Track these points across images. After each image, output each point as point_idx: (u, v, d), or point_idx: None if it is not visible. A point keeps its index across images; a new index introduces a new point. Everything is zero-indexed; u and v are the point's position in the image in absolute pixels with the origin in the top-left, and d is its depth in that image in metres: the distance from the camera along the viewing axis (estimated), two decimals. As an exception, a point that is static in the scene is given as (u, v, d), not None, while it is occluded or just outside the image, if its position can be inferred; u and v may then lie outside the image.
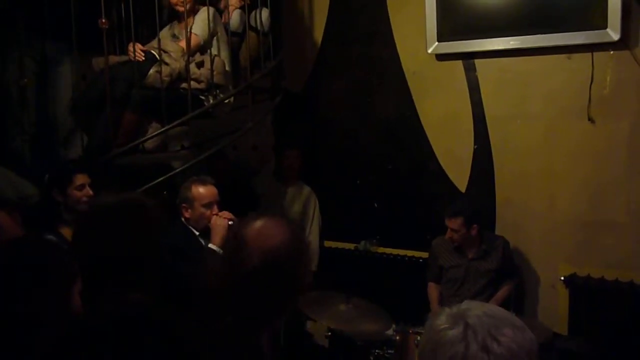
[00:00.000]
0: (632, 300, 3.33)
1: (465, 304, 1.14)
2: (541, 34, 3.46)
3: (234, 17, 3.73)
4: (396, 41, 4.07)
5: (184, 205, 2.86)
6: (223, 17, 3.71)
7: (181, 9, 3.40)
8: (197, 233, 2.85)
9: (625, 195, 3.42)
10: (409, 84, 4.05)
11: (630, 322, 3.18)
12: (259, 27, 3.74)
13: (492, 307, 1.15)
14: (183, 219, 2.87)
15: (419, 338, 2.75)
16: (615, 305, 3.38)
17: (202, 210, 2.82)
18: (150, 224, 1.71)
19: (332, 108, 4.39)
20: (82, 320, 1.35)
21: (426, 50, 3.82)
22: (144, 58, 3.26)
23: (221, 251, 2.66)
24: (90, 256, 1.57)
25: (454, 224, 3.38)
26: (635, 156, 3.39)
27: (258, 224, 1.37)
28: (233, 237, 1.39)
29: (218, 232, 2.73)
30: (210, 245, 2.71)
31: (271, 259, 1.31)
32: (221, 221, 2.75)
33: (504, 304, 3.40)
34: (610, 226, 3.47)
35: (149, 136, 3.26)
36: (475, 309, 1.12)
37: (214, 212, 2.80)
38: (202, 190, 2.84)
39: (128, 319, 0.94)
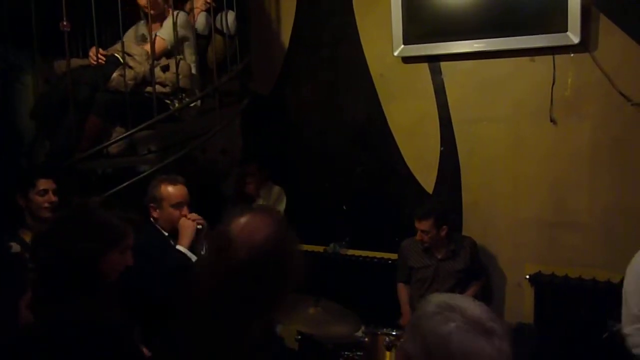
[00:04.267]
0: (594, 296, 3.41)
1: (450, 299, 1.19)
2: (504, 36, 3.53)
3: (200, 20, 3.71)
4: (363, 44, 4.09)
5: (152, 205, 2.74)
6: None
7: (151, 11, 3.35)
8: (166, 234, 2.76)
9: (588, 195, 3.50)
10: (376, 86, 4.07)
11: (593, 317, 3.25)
12: (224, 30, 3.72)
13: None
14: (152, 219, 2.77)
15: (387, 339, 2.76)
16: (579, 301, 3.45)
17: (171, 210, 2.72)
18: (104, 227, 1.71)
19: (301, 111, 4.39)
20: (30, 327, 1.34)
21: (392, 53, 3.85)
22: (104, 62, 3.22)
23: (189, 253, 2.66)
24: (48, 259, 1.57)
25: (424, 225, 3.41)
26: (597, 158, 3.47)
27: (243, 219, 1.38)
28: (218, 233, 1.40)
29: (186, 233, 2.68)
30: (178, 247, 2.67)
31: (258, 253, 1.33)
32: (190, 223, 2.70)
33: (472, 303, 3.44)
34: (573, 226, 3.55)
35: (113, 140, 3.20)
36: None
37: (183, 213, 2.72)
38: (172, 190, 2.73)
39: (75, 325, 0.93)
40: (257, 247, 1.33)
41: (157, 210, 2.75)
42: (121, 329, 1.52)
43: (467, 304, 1.17)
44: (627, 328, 2.55)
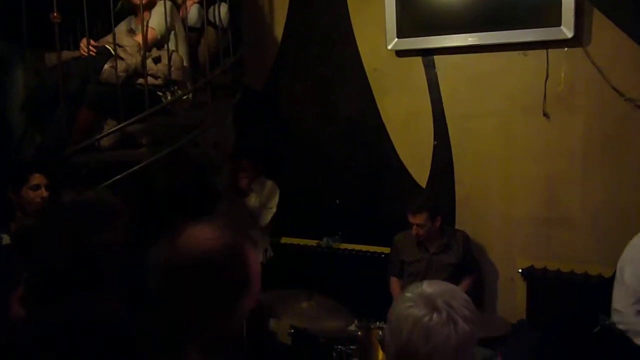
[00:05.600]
0: (586, 290, 3.43)
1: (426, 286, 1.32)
2: (498, 30, 3.53)
3: (192, 12, 3.68)
4: (356, 37, 4.07)
5: None
6: (181, 12, 3.65)
7: (137, 1, 3.33)
8: None
9: (580, 190, 3.51)
10: (370, 80, 4.06)
11: (585, 312, 3.26)
12: (217, 23, 3.69)
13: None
14: None
15: (380, 333, 2.76)
16: (571, 296, 3.47)
17: None
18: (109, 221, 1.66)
19: (294, 105, 4.37)
20: (29, 324, 1.32)
21: (386, 47, 3.84)
22: (96, 53, 3.19)
23: None
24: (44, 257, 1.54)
25: (419, 219, 3.40)
26: (590, 152, 3.48)
27: (192, 228, 1.30)
28: (166, 241, 1.31)
29: None
30: None
31: (198, 261, 1.25)
32: None
33: (464, 297, 3.45)
34: (565, 220, 3.56)
35: (105, 133, 3.18)
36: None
37: None
38: None
39: (75, 323, 0.92)
40: (197, 255, 1.25)
41: None
42: (124, 328, 1.49)
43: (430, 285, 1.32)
44: (618, 304, 2.54)
